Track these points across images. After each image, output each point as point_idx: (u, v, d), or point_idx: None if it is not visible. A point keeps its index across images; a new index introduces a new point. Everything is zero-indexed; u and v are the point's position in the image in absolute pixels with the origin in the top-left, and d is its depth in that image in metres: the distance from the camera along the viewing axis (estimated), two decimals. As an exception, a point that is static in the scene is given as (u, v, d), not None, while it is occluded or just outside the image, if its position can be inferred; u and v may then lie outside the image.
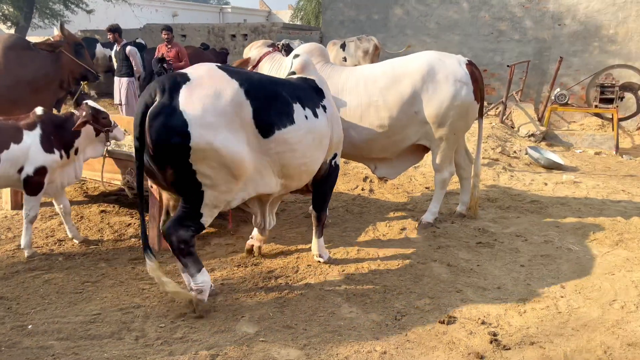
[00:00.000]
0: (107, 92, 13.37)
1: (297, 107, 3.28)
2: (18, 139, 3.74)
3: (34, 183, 3.81)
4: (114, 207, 5.19)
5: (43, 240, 4.33)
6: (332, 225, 4.73)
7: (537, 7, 11.97)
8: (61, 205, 4.20)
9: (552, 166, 7.12)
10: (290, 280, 3.68)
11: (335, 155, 3.81)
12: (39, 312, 3.13)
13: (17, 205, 5.08)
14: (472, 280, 3.66)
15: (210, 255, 4.14)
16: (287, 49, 11.15)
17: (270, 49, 4.84)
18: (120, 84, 8.25)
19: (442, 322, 3.09)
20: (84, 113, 3.92)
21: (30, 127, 3.82)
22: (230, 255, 4.16)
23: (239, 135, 2.97)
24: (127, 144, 4.75)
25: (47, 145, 3.81)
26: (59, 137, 3.90)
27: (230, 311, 3.21)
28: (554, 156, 7.42)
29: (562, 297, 3.41)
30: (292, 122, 3.20)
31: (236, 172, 3.01)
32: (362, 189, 5.87)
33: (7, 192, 5.08)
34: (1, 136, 3.71)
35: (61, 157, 3.91)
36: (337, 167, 3.88)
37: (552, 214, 5.02)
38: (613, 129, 9.43)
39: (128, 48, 8.48)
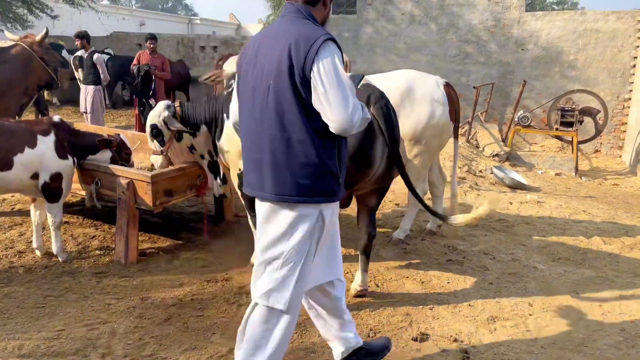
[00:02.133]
0: (70, 100, 13.04)
1: None
2: (32, 144, 3.79)
3: (53, 189, 3.90)
4: (77, 218, 5.02)
5: (2, 252, 4.14)
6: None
7: (501, 32, 12.40)
8: (37, 213, 4.08)
9: (516, 186, 7.32)
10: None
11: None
12: (-2, 327, 2.98)
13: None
14: (443, 297, 3.69)
15: (179, 270, 4.04)
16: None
17: None
18: (87, 92, 8.04)
19: (415, 340, 3.10)
20: (114, 140, 4.20)
21: (45, 132, 3.87)
22: (200, 270, 4.07)
23: None
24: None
25: (62, 151, 3.90)
26: (73, 144, 4.02)
27: (200, 328, 3.13)
28: (518, 176, 7.63)
29: (530, 315, 3.47)
30: None
31: None
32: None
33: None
34: (15, 139, 3.73)
35: (74, 163, 4.01)
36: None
37: (518, 233, 5.14)
38: (573, 152, 9.79)
39: (95, 55, 8.30)
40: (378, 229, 5.13)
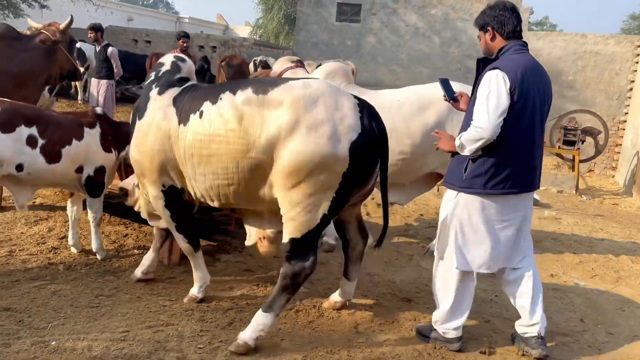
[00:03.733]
0: (66, 93, 12.69)
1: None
2: (79, 136, 3.65)
3: (96, 184, 3.79)
4: (104, 215, 4.85)
5: (35, 247, 3.97)
6: (339, 249, 4.65)
7: (503, 49, 12.64)
8: (74, 208, 3.92)
9: (528, 201, 7.41)
10: (316, 302, 3.56)
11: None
12: (57, 327, 2.84)
13: (-3, 208, 4.66)
14: (495, 311, 3.69)
15: (224, 273, 3.94)
16: (265, 65, 11.06)
17: (293, 64, 4.79)
18: (99, 86, 7.84)
19: (484, 353, 3.08)
20: None
21: (91, 125, 3.74)
22: (244, 274, 3.98)
23: None
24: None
25: (106, 144, 3.78)
26: (115, 136, 3.83)
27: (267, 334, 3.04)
28: (531, 192, 7.73)
29: (585, 330, 3.50)
30: None
31: None
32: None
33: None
34: (63, 131, 3.58)
35: (116, 157, 3.88)
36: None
37: (548, 249, 5.19)
38: (573, 170, 10.00)
39: (110, 49, 8.12)
40: (410, 240, 5.13)
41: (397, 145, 4.44)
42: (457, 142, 2.92)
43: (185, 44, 7.98)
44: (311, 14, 14.32)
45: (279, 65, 4.81)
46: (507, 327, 3.45)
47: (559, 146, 10.16)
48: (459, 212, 2.97)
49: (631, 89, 11.58)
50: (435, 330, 3.11)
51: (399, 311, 3.55)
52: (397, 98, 4.54)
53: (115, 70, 7.92)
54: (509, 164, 2.82)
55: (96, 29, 7.97)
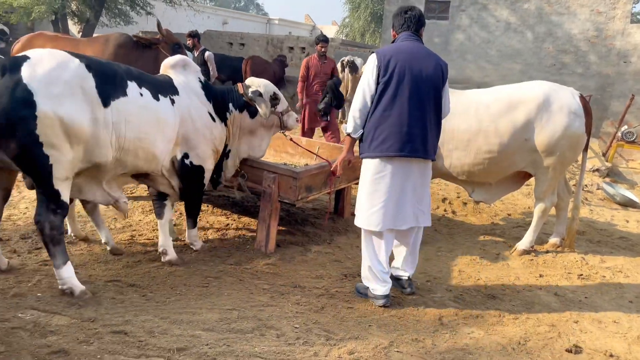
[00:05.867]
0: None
1: (132, 84, 3.40)
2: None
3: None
4: (207, 206, 5.34)
5: (152, 233, 4.49)
6: (424, 244, 4.78)
7: (603, 43, 11.96)
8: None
9: (627, 203, 7.07)
10: (401, 294, 3.74)
11: (187, 155, 3.82)
12: (174, 302, 3.26)
13: (116, 196, 5.26)
14: (584, 312, 3.67)
15: (315, 262, 4.23)
16: (352, 66, 11.28)
17: None
18: (199, 88, 8.46)
19: (570, 351, 3.11)
20: None
21: None
22: (334, 264, 4.25)
23: (82, 105, 3.07)
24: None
25: None
26: None
27: (355, 319, 3.29)
28: (629, 193, 7.36)
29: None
30: (125, 94, 3.32)
31: (77, 139, 3.05)
32: (445, 210, 5.92)
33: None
34: None
35: None
36: (194, 168, 3.86)
37: (649, 252, 5.00)
38: (682, 171, 9.30)
39: (206, 53, 8.75)
40: (497, 239, 5.15)
41: (485, 145, 4.51)
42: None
43: (323, 49, 7.32)
44: (398, 12, 14.37)
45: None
46: (596, 327, 3.44)
47: (664, 145, 9.49)
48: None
49: None
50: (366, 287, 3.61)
51: (484, 307, 3.65)
52: (484, 98, 4.60)
53: (211, 73, 8.53)
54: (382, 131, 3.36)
55: (193, 35, 8.62)
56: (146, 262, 3.86)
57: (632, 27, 11.69)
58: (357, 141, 3.61)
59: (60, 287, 3.14)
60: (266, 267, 4.01)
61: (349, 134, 3.53)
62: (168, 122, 3.60)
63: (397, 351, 2.94)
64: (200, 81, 4.01)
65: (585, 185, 7.86)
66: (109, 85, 3.24)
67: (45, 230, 3.06)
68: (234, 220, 5.03)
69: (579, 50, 12.21)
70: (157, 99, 3.54)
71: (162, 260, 3.86)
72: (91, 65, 3.21)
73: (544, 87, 4.55)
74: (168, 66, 3.96)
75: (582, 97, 4.58)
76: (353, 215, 5.43)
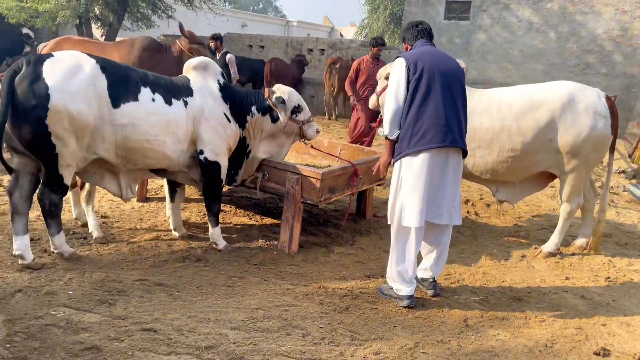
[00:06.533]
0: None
1: (145, 90, 3.70)
2: None
3: None
4: (230, 207, 5.39)
5: (169, 234, 4.54)
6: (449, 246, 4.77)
7: (628, 42, 11.73)
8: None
9: (654, 206, 6.93)
10: (426, 296, 3.74)
11: (204, 152, 4.02)
12: (201, 301, 3.30)
13: (142, 197, 5.36)
14: (612, 315, 3.62)
15: (338, 263, 4.25)
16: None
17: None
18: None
19: (597, 354, 3.07)
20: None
21: None
22: (357, 265, 4.26)
23: (91, 103, 3.40)
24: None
25: None
26: None
27: (380, 320, 3.29)
28: (657, 196, 7.21)
29: None
30: (136, 99, 3.63)
31: (82, 133, 3.42)
32: (467, 212, 5.89)
33: (134, 184, 5.35)
34: None
35: None
36: (213, 164, 4.06)
37: (672, 254, 4.90)
38: None
39: (228, 56, 8.83)
40: (521, 240, 5.09)
41: (508, 143, 4.49)
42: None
43: (380, 52, 7.28)
44: (418, 12, 14.29)
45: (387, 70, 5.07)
46: (624, 331, 3.40)
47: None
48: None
49: None
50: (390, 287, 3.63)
51: (509, 309, 3.62)
52: (506, 97, 4.58)
53: (232, 76, 8.61)
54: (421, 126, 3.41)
55: (216, 38, 8.72)
56: (172, 261, 3.91)
57: (659, 26, 11.45)
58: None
59: (52, 250, 3.72)
60: (290, 267, 4.04)
61: (386, 137, 3.53)
62: (179, 124, 3.86)
63: (423, 352, 2.94)
64: (219, 83, 4.16)
65: (612, 187, 7.73)
66: (121, 89, 3.57)
67: (46, 207, 3.53)
68: (257, 221, 5.07)
69: (603, 50, 12.00)
70: (170, 103, 3.83)
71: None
72: (107, 67, 3.54)
73: (569, 86, 4.50)
74: (190, 67, 4.19)
75: (608, 98, 4.51)
76: (375, 216, 5.50)
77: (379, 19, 28.41)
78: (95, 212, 4.35)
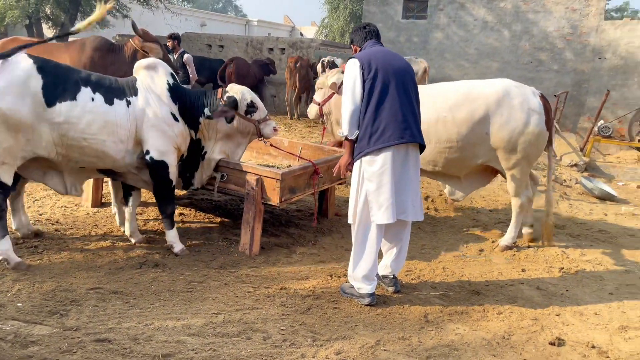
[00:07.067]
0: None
1: (85, 89, 3.71)
2: None
3: None
4: (190, 210, 5.29)
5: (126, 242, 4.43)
6: (409, 242, 4.81)
7: (578, 40, 12.18)
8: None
9: (605, 197, 7.20)
10: (387, 293, 3.76)
11: (150, 152, 3.95)
12: (159, 308, 3.22)
13: (97, 202, 5.20)
14: (566, 305, 3.73)
15: (300, 264, 4.22)
16: (332, 66, 11.30)
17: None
18: (179, 91, 8.39)
19: (553, 344, 3.16)
20: None
21: None
22: (319, 265, 4.24)
23: (24, 101, 3.44)
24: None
25: None
26: None
27: (341, 320, 3.29)
28: (607, 187, 7.50)
29: (661, 325, 3.47)
30: (74, 98, 3.64)
31: (15, 130, 3.44)
32: (428, 208, 5.96)
33: (88, 189, 5.19)
34: None
35: None
36: (160, 163, 3.98)
37: (623, 245, 5.09)
38: (656, 164, 9.51)
39: (185, 56, 8.67)
40: (480, 235, 5.19)
41: (444, 134, 4.63)
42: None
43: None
44: (377, 12, 14.43)
45: (335, 77, 5.15)
46: (578, 320, 3.50)
47: (639, 139, 9.69)
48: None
49: None
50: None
51: (468, 303, 3.68)
52: (443, 90, 4.72)
53: (191, 76, 8.46)
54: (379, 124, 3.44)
55: (173, 37, 8.55)
56: (128, 268, 3.81)
57: (606, 24, 11.92)
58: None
59: None
60: (251, 270, 3.99)
61: (346, 137, 3.52)
62: (120, 124, 3.85)
63: (384, 349, 2.96)
64: (168, 83, 4.11)
65: (564, 180, 8.00)
66: (58, 88, 3.58)
67: None
68: (218, 224, 5.00)
69: (554, 47, 12.41)
70: (111, 103, 3.81)
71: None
72: (44, 67, 3.57)
73: (505, 83, 4.67)
74: (140, 68, 4.15)
75: (542, 96, 4.67)
76: (337, 215, 5.51)
77: (339, 18, 28.56)
78: (47, 219, 4.19)
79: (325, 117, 5.49)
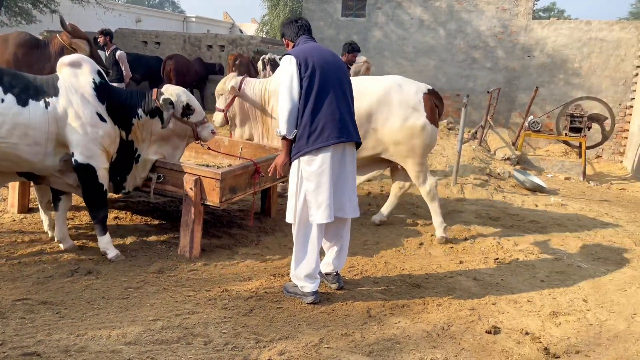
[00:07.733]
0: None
1: None
2: None
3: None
4: (125, 213, 5.10)
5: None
6: (351, 239, 4.84)
7: (509, 39, 12.71)
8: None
9: (536, 189, 7.57)
10: (330, 290, 3.77)
11: (74, 154, 3.78)
12: (92, 317, 3.07)
13: (23, 208, 4.91)
14: (501, 294, 3.88)
15: (242, 265, 4.16)
16: (274, 63, 11.25)
17: (240, 77, 5.34)
18: (112, 89, 8.06)
19: (489, 332, 3.27)
20: None
21: None
22: (262, 265, 4.19)
23: None
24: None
25: None
26: None
27: (285, 319, 3.26)
28: (538, 180, 7.88)
29: (588, 310, 3.67)
30: None
31: None
32: (369, 204, 6.03)
33: (13, 195, 4.89)
34: None
35: None
36: (86, 166, 3.81)
37: (553, 234, 5.36)
38: (580, 157, 10.10)
39: (118, 52, 8.35)
40: (418, 229, 5.31)
41: None
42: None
43: (354, 57, 7.13)
44: (317, 10, 14.46)
45: (234, 81, 5.22)
46: (512, 308, 3.64)
47: (566, 133, 10.26)
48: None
49: (637, 74, 11.61)
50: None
51: (409, 296, 3.75)
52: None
53: (124, 73, 8.16)
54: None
55: (105, 33, 8.22)
56: (59, 277, 3.61)
57: (534, 23, 12.51)
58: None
59: None
60: (191, 273, 3.89)
61: (284, 137, 3.46)
62: (34, 126, 3.66)
63: (328, 347, 2.95)
64: (94, 81, 3.89)
65: (498, 174, 8.33)
66: None
67: None
68: (155, 227, 4.84)
69: (487, 45, 12.89)
70: (24, 104, 3.62)
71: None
72: None
73: (390, 81, 4.87)
74: (63, 65, 3.92)
75: (430, 93, 4.84)
76: (280, 214, 5.46)
77: (280, 15, 28.38)
78: None
79: (230, 122, 5.48)
